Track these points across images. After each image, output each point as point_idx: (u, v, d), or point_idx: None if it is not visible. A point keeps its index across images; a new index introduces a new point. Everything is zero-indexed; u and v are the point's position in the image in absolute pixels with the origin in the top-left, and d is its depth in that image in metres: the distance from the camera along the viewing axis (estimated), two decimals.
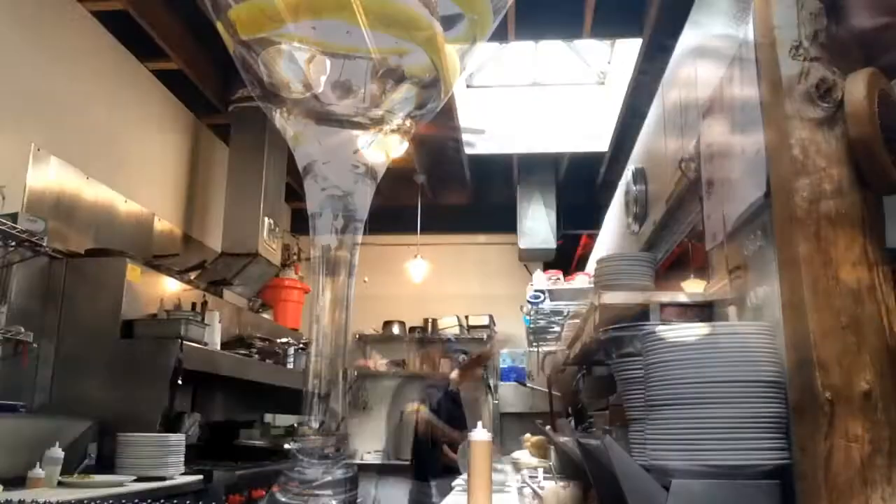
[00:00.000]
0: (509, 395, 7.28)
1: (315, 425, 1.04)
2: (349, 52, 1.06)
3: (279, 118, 1.07)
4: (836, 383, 1.36)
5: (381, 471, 6.81)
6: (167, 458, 3.51)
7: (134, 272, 3.86)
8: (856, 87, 1.47)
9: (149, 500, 2.94)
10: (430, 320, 7.68)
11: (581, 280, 3.87)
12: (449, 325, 7.61)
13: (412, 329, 7.63)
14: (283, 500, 0.99)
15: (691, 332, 1.55)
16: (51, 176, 4.03)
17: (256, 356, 4.81)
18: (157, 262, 4.34)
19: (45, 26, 4.08)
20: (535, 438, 4.09)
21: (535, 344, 5.10)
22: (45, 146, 3.99)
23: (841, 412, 1.34)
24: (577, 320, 3.43)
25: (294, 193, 7.41)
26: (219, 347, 4.38)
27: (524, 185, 7.46)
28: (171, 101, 5.53)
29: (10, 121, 3.79)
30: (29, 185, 3.86)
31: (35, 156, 3.91)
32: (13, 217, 3.35)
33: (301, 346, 5.62)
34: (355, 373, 7.55)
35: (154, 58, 5.00)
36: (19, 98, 3.87)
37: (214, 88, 5.56)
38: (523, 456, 4.21)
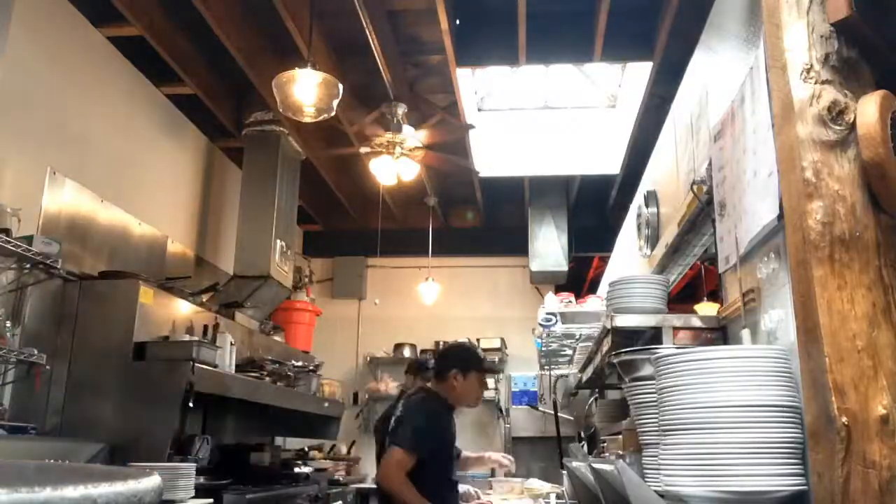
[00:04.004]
0: (521, 419, 7.23)
1: None
2: None
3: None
4: (853, 408, 1.34)
5: None
6: (177, 481, 3.49)
7: (147, 294, 3.87)
8: (868, 110, 1.46)
9: None
10: (441, 343, 7.65)
11: (593, 303, 3.84)
12: None
13: (423, 351, 7.61)
14: None
15: (705, 355, 1.53)
16: (66, 199, 4.07)
17: (267, 379, 4.80)
18: (169, 284, 4.35)
19: (62, 51, 4.14)
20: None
21: (546, 367, 5.06)
22: (61, 169, 4.03)
23: (857, 437, 1.32)
24: (590, 343, 3.41)
25: (306, 216, 7.45)
26: (233, 370, 4.38)
27: (535, 207, 7.46)
28: (185, 124, 5.58)
29: (27, 144, 3.83)
30: (44, 207, 3.89)
31: (50, 179, 3.95)
32: (28, 239, 3.37)
33: (312, 368, 5.61)
34: (366, 395, 7.53)
35: (169, 82, 5.06)
36: (36, 121, 3.92)
37: (228, 112, 5.62)
38: (535, 482, 4.17)
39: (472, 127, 5.57)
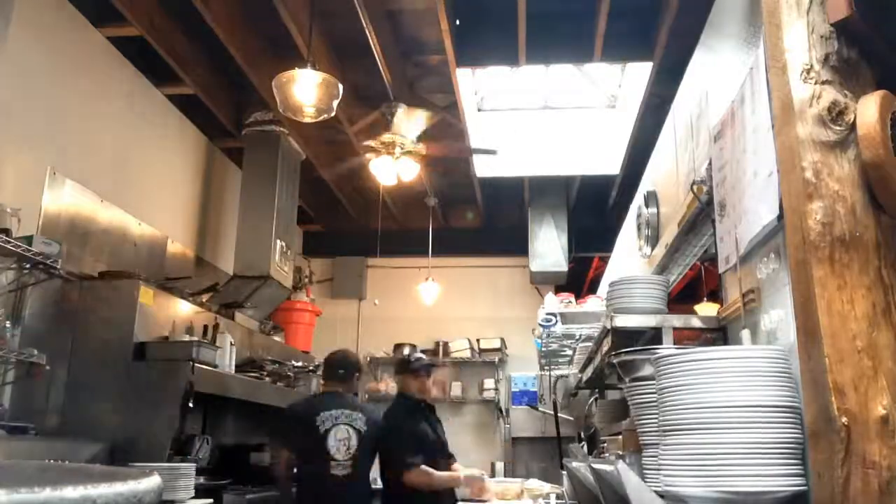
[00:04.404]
0: (521, 420, 7.23)
1: None
2: None
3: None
4: (853, 408, 1.34)
5: None
6: (177, 481, 3.50)
7: (147, 295, 3.88)
8: (868, 110, 1.46)
9: None
10: (441, 343, 7.65)
11: (593, 303, 3.84)
12: (460, 348, 7.58)
13: (423, 352, 7.61)
14: None
15: (705, 355, 1.53)
16: (66, 199, 4.07)
17: (267, 379, 4.80)
18: (169, 284, 4.35)
19: (63, 51, 4.14)
20: None
21: (546, 367, 5.06)
22: (61, 169, 4.03)
23: (857, 437, 1.32)
24: (590, 343, 3.41)
25: (306, 216, 7.45)
26: (233, 370, 4.38)
27: (535, 207, 7.46)
28: (186, 124, 5.58)
29: (27, 144, 3.83)
30: (44, 207, 3.89)
31: (51, 179, 3.95)
32: (28, 240, 3.37)
33: (312, 368, 5.61)
34: (366, 395, 7.53)
35: (169, 82, 5.06)
36: (36, 121, 3.92)
37: (228, 112, 5.62)
38: (535, 482, 4.17)
39: (493, 152, 5.58)
